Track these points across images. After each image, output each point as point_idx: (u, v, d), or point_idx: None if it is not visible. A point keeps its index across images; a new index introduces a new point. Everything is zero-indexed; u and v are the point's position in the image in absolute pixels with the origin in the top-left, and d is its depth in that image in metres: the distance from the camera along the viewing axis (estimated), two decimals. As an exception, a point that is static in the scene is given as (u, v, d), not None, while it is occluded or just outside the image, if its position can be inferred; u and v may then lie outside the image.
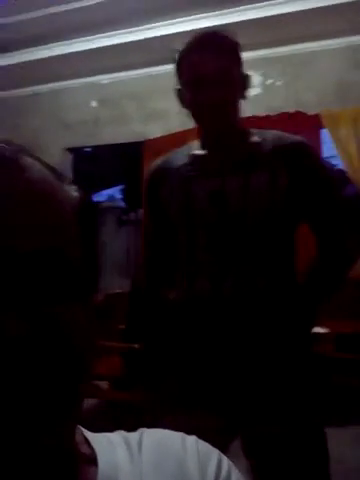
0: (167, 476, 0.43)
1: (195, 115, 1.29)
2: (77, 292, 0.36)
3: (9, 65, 4.61)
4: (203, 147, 1.33)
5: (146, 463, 0.43)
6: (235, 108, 1.29)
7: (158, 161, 1.42)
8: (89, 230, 0.42)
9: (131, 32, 4.15)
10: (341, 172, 4.28)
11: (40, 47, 4.44)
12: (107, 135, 4.77)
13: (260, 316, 1.22)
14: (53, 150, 4.81)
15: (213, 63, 1.21)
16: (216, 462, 0.46)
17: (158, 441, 0.46)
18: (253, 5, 3.81)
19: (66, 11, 3.97)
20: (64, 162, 4.95)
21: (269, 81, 4.30)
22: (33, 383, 0.32)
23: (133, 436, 0.46)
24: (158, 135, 4.33)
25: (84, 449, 0.42)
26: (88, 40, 4.29)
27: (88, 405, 2.95)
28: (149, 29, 4.10)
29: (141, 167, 4.37)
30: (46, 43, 4.39)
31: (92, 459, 0.41)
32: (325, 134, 4.09)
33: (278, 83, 4.28)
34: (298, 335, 1.26)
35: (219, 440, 0.61)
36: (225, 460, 0.48)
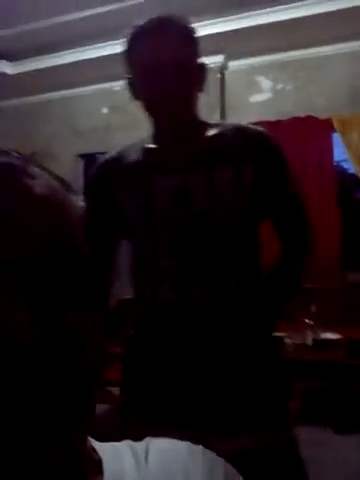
0: None
1: (149, 108, 1.17)
2: (87, 298, 0.36)
3: (21, 73, 4.67)
4: (156, 141, 1.21)
5: (152, 472, 0.43)
6: (193, 100, 1.17)
7: (108, 155, 1.28)
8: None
9: (142, 39, 4.17)
10: (352, 176, 4.25)
11: (52, 55, 4.49)
12: (118, 141, 4.73)
13: (230, 326, 1.12)
14: (65, 156, 4.85)
15: (168, 50, 1.09)
16: (222, 471, 0.46)
17: (164, 450, 0.47)
18: (265, 10, 3.82)
19: (77, 19, 4.01)
20: (76, 168, 4.98)
21: (279, 86, 4.30)
22: (43, 389, 0.32)
23: (140, 445, 0.47)
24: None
25: (91, 458, 0.42)
26: (99, 47, 4.32)
27: (100, 411, 2.95)
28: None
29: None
30: (57, 51, 4.44)
31: (99, 468, 0.41)
32: (337, 138, 4.08)
33: (289, 88, 4.27)
34: (263, 340, 1.18)
35: None
36: (231, 469, 0.48)
